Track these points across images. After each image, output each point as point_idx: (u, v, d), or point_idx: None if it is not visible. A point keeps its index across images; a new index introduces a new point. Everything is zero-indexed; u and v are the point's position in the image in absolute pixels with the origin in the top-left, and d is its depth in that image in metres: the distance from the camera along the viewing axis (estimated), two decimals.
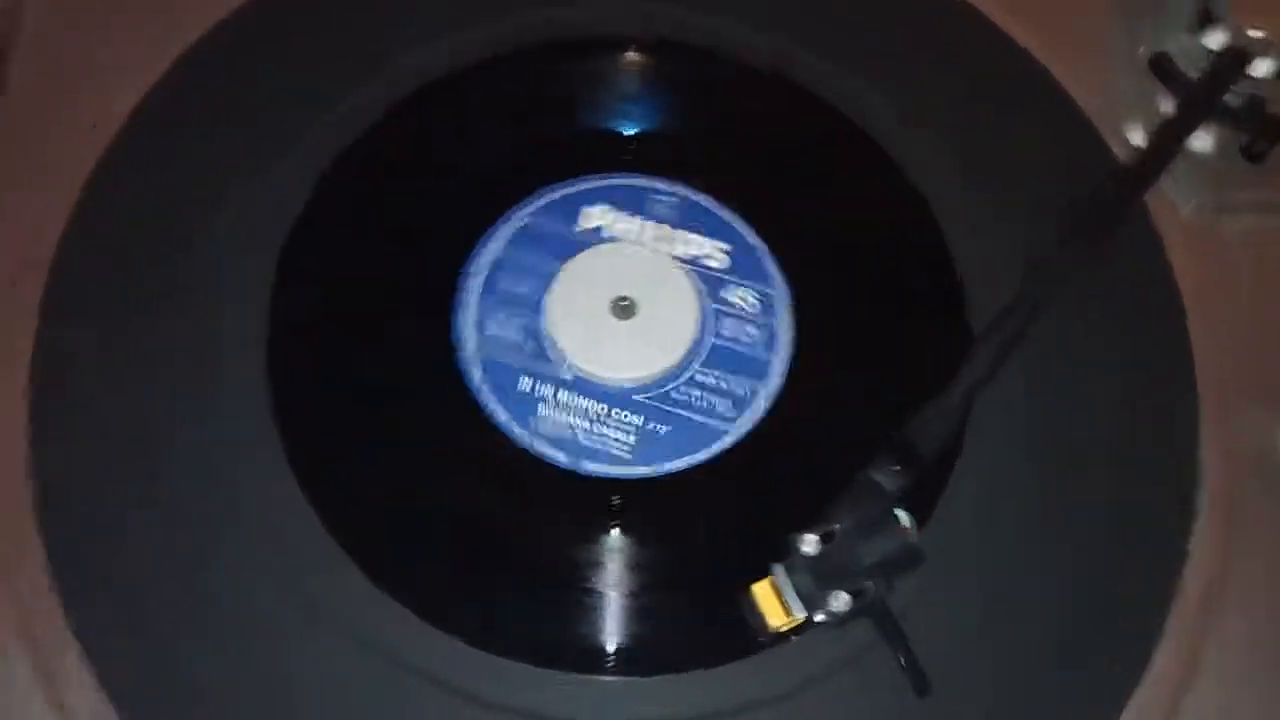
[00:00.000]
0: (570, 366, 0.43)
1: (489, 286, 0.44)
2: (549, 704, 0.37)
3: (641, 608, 0.40)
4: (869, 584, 0.37)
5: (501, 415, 0.42)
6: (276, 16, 0.49)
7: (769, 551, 0.38)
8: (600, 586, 0.40)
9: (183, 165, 0.45)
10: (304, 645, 0.38)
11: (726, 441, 0.42)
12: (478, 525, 0.41)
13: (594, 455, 0.42)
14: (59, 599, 0.38)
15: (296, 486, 0.39)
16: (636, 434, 0.42)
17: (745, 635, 0.38)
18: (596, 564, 0.40)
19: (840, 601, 0.36)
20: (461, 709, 0.37)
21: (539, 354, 0.43)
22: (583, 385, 0.43)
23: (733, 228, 0.46)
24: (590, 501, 0.42)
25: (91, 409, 0.41)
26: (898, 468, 0.38)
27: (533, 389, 0.43)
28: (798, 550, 0.37)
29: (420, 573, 0.40)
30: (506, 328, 0.43)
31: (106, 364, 0.42)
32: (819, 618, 0.37)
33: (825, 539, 0.37)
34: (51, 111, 0.47)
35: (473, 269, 0.44)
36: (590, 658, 0.39)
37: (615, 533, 0.41)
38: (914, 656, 0.36)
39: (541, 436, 0.42)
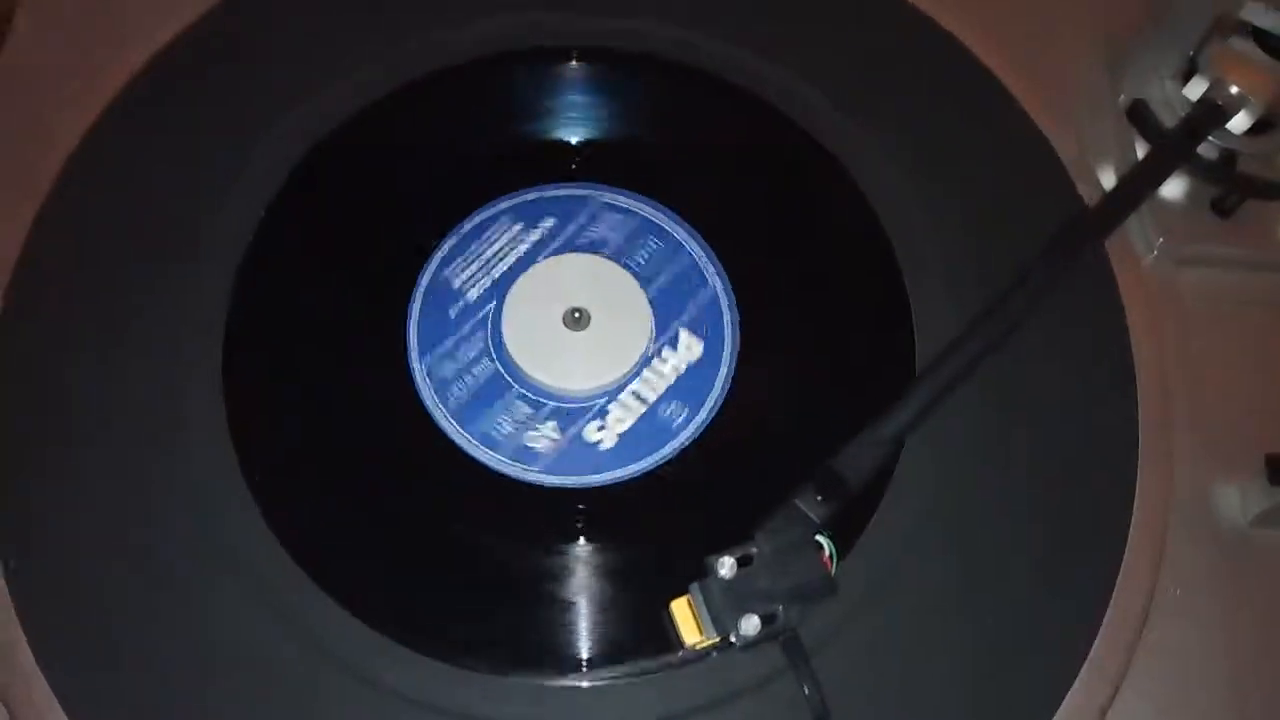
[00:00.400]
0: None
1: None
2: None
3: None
4: (781, 610, 0.38)
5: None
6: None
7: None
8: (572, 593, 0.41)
9: (139, 181, 0.46)
10: (273, 664, 0.38)
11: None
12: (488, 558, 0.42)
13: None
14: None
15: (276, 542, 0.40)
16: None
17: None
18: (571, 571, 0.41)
19: (750, 625, 0.37)
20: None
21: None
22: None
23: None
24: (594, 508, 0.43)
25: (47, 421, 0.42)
26: (820, 497, 0.39)
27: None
28: (714, 572, 0.38)
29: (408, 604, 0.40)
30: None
31: (63, 377, 0.42)
32: (730, 639, 0.38)
33: (742, 562, 0.38)
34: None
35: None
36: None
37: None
38: (818, 685, 0.37)
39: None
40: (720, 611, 0.37)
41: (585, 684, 0.39)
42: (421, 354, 0.44)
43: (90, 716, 0.37)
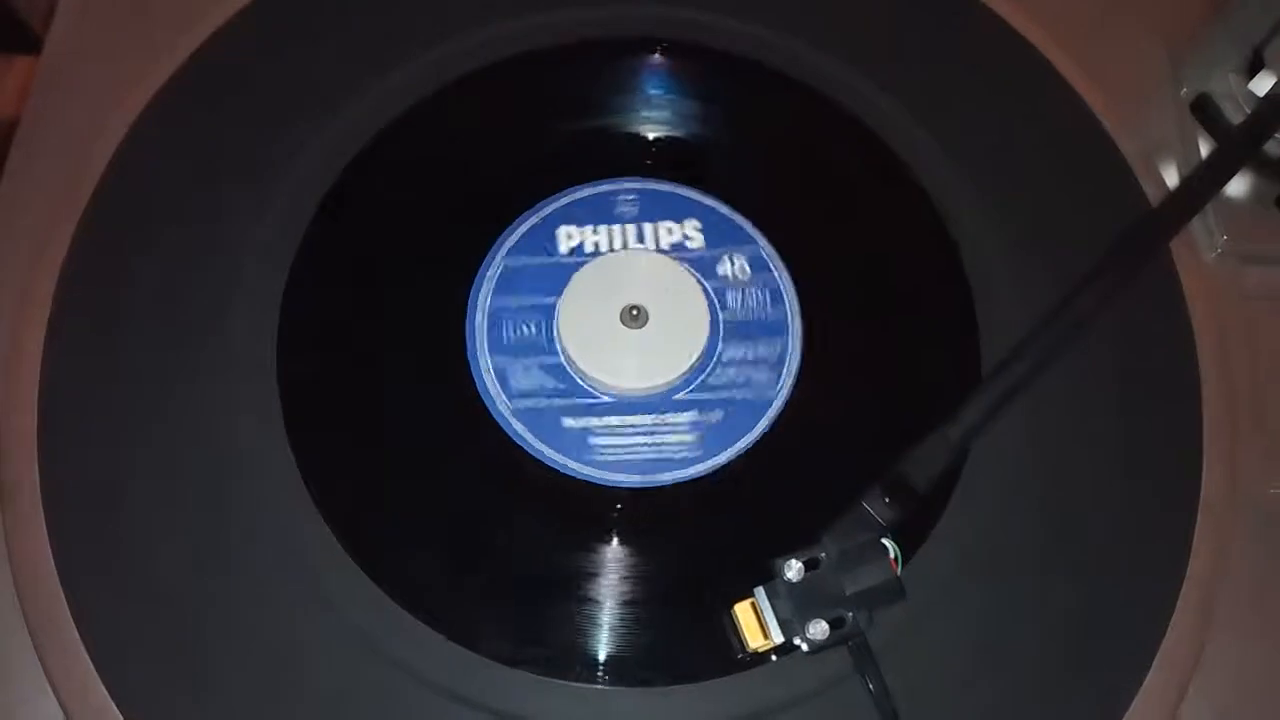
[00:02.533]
0: (603, 390, 0.43)
1: (495, 342, 0.44)
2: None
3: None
4: (849, 614, 0.37)
5: (558, 458, 0.42)
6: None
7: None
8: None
9: (181, 182, 0.46)
10: (317, 652, 0.39)
11: (779, 405, 0.43)
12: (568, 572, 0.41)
13: (662, 466, 0.42)
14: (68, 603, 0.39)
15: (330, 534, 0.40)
16: (694, 430, 0.43)
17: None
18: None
19: (818, 630, 0.37)
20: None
21: (571, 390, 0.44)
22: (624, 404, 0.43)
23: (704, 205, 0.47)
24: (669, 510, 0.42)
25: (99, 412, 0.42)
26: (889, 500, 0.39)
27: (579, 426, 0.43)
28: (781, 575, 0.38)
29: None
30: (530, 377, 0.44)
31: (114, 366, 0.42)
32: (796, 642, 0.37)
33: (810, 566, 0.38)
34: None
35: (473, 324, 0.44)
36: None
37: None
38: (886, 690, 0.37)
39: (605, 466, 0.42)
40: (788, 615, 0.37)
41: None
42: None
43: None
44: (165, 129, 0.46)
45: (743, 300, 0.45)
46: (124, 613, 0.39)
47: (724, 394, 0.43)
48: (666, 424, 0.43)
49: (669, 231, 0.46)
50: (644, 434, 0.43)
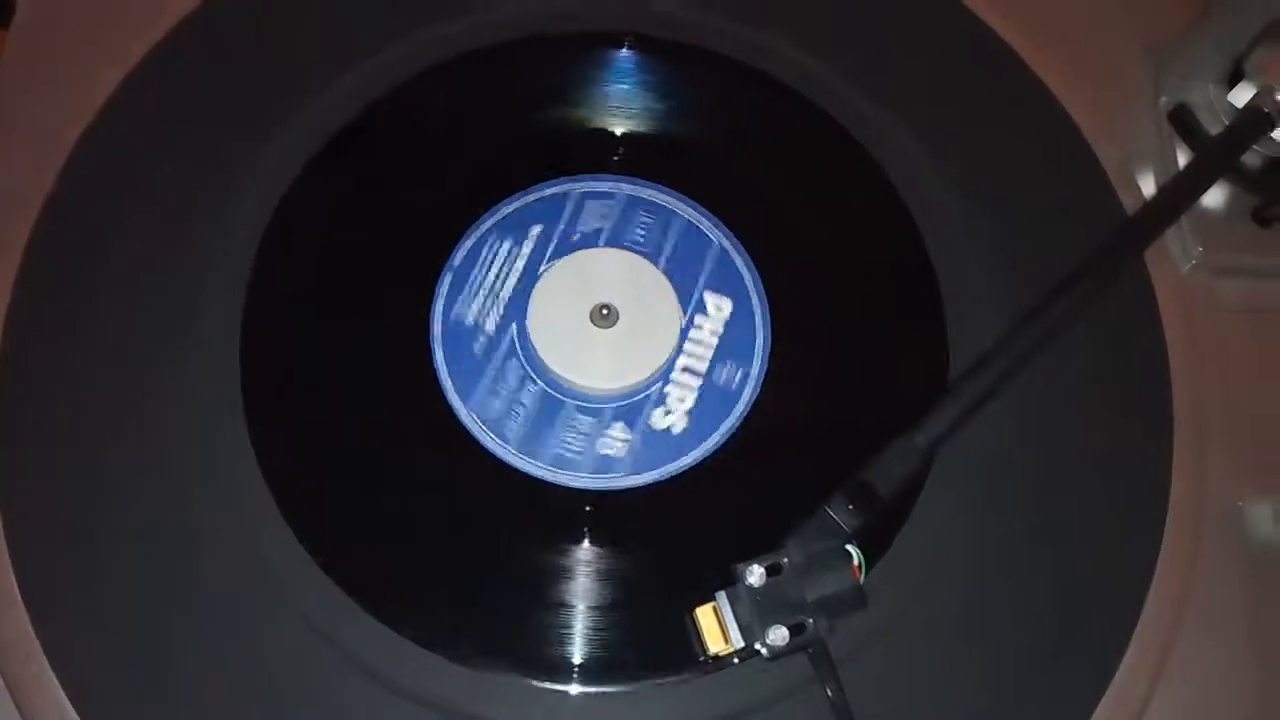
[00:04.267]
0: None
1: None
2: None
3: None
4: (809, 621, 0.37)
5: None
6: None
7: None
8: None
9: (150, 164, 0.45)
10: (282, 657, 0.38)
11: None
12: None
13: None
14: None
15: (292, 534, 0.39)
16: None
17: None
18: None
19: (778, 635, 0.37)
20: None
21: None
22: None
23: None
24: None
25: (59, 414, 0.41)
26: (852, 506, 0.38)
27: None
28: (743, 580, 0.37)
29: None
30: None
31: (76, 365, 0.42)
32: (757, 647, 0.37)
33: (771, 571, 0.38)
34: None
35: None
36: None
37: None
38: (845, 698, 0.37)
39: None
40: (748, 620, 0.37)
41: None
42: (465, 399, 0.43)
43: None
44: (131, 116, 0.46)
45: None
46: (84, 621, 0.38)
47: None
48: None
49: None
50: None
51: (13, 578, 0.38)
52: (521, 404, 0.43)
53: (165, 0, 0.48)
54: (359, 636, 0.38)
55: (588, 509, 0.41)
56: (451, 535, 0.41)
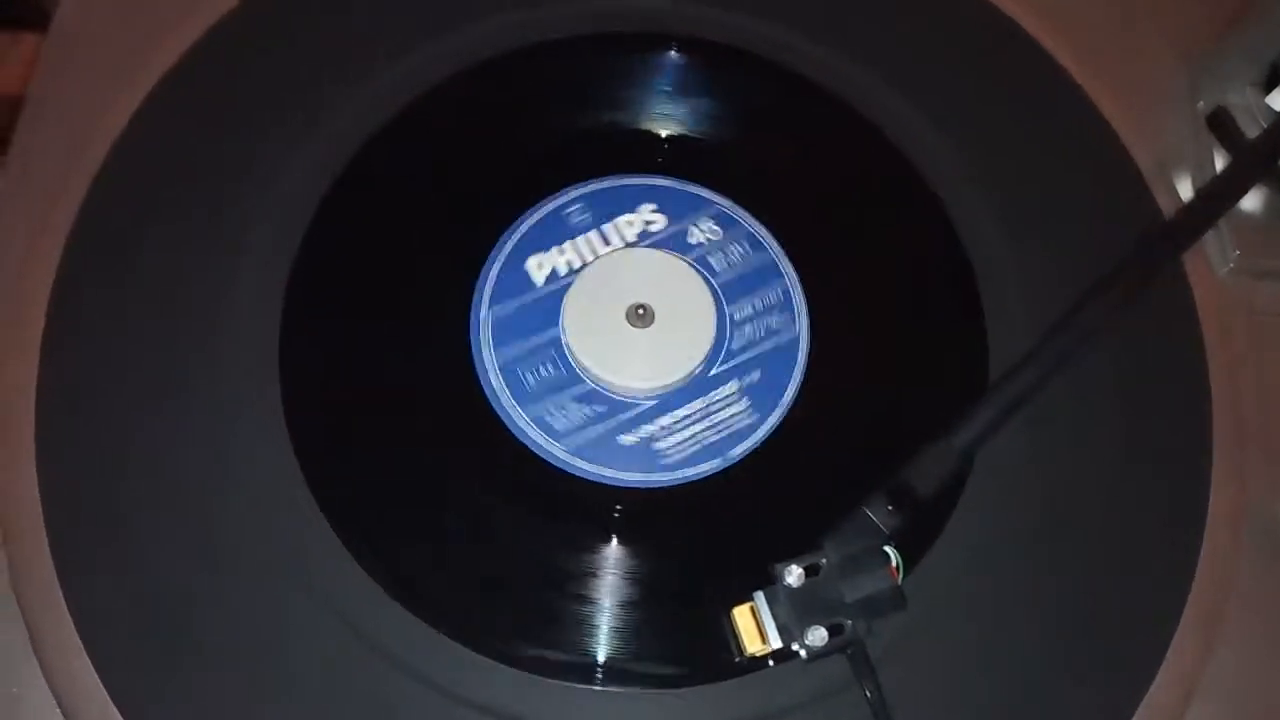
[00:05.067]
0: (629, 394, 0.43)
1: (519, 394, 0.43)
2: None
3: None
4: (848, 622, 0.37)
5: (637, 478, 0.42)
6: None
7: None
8: None
9: (188, 163, 0.45)
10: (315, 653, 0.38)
11: (805, 341, 0.44)
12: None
13: (734, 440, 0.42)
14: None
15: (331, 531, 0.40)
16: (743, 396, 0.43)
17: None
18: None
19: (817, 636, 0.37)
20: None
21: (613, 402, 0.43)
22: (667, 400, 0.43)
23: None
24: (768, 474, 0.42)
25: (98, 403, 0.41)
26: (891, 507, 0.38)
27: (638, 436, 0.43)
28: (781, 580, 0.37)
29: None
30: (568, 414, 0.43)
31: (113, 356, 0.42)
32: (795, 649, 0.37)
33: (810, 572, 0.37)
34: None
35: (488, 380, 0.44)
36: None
37: None
38: (884, 700, 0.36)
39: (680, 465, 0.42)
40: (787, 620, 0.37)
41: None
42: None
43: None
44: (168, 116, 0.46)
45: (726, 259, 0.45)
46: (120, 608, 0.38)
47: (753, 352, 0.44)
48: (716, 401, 0.43)
49: (629, 224, 0.46)
50: (700, 420, 0.43)
51: (54, 572, 0.38)
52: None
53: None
54: (391, 628, 0.38)
55: (620, 507, 0.41)
56: (483, 529, 0.41)
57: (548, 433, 0.42)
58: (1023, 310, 0.44)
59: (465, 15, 0.48)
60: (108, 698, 0.37)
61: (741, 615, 0.37)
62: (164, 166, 0.45)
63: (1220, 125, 0.47)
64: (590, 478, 0.42)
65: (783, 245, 0.46)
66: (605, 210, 0.46)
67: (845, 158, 0.47)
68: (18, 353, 0.42)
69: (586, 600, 0.40)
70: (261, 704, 0.37)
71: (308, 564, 0.39)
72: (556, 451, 0.42)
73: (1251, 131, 0.47)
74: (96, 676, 0.37)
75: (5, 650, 0.39)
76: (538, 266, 0.45)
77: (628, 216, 0.46)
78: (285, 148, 0.45)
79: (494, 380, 0.43)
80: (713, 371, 0.44)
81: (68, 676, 0.37)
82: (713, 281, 0.45)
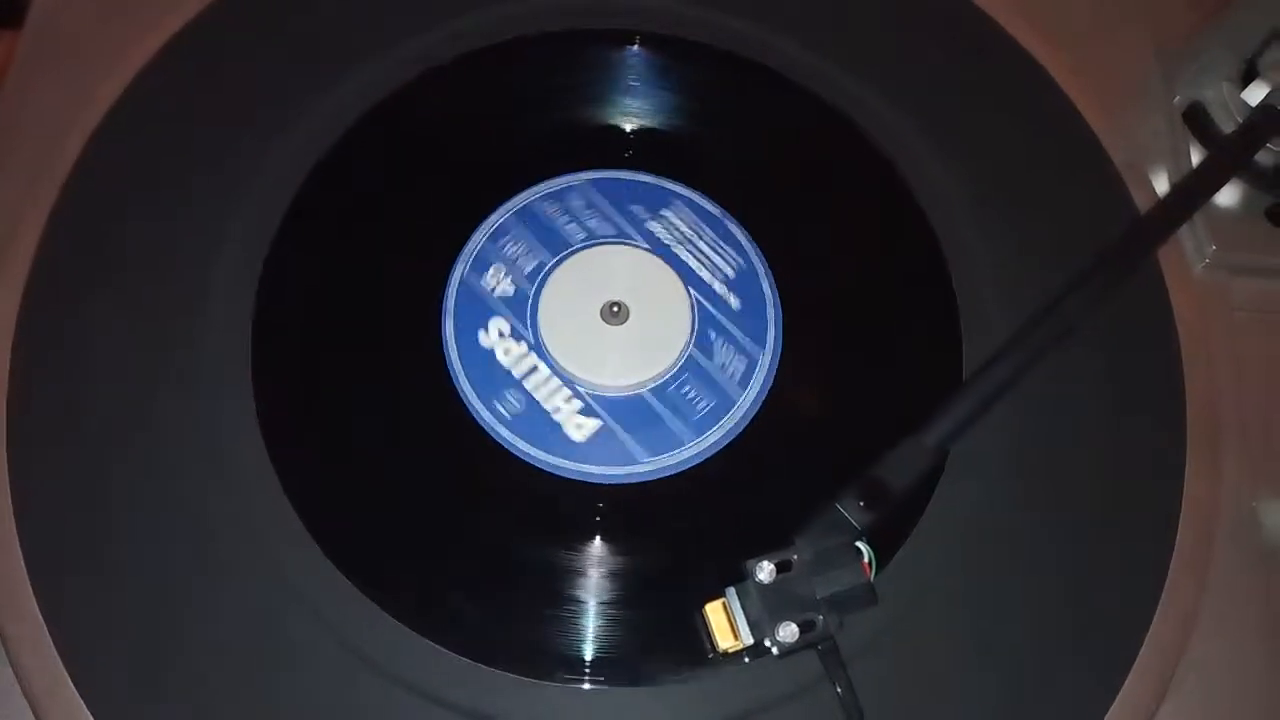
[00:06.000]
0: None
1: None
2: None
3: None
4: (820, 618, 0.37)
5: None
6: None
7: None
8: None
9: (163, 159, 0.45)
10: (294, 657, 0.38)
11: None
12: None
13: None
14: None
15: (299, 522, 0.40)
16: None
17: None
18: None
19: (788, 632, 0.37)
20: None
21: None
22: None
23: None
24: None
25: (70, 399, 0.41)
26: (864, 503, 0.38)
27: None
28: (753, 576, 0.37)
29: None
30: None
31: (86, 352, 0.42)
32: (766, 644, 0.37)
33: (781, 568, 0.37)
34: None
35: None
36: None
37: None
38: (855, 695, 0.36)
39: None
40: (758, 616, 0.37)
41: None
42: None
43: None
44: (143, 112, 0.46)
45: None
46: (95, 611, 0.38)
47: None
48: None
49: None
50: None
51: (25, 571, 0.38)
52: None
53: None
54: (369, 629, 0.38)
55: (599, 504, 0.41)
56: (459, 529, 0.41)
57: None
58: (997, 305, 0.44)
59: (443, 11, 0.48)
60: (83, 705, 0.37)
61: (714, 611, 0.37)
62: (139, 163, 0.45)
63: (1196, 120, 0.47)
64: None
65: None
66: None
67: (818, 153, 0.47)
68: None
69: (568, 599, 0.40)
70: (237, 705, 0.37)
71: (286, 568, 0.39)
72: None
73: (1227, 126, 0.47)
74: (73, 688, 0.37)
75: None
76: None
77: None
78: (260, 144, 0.45)
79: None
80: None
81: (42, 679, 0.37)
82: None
